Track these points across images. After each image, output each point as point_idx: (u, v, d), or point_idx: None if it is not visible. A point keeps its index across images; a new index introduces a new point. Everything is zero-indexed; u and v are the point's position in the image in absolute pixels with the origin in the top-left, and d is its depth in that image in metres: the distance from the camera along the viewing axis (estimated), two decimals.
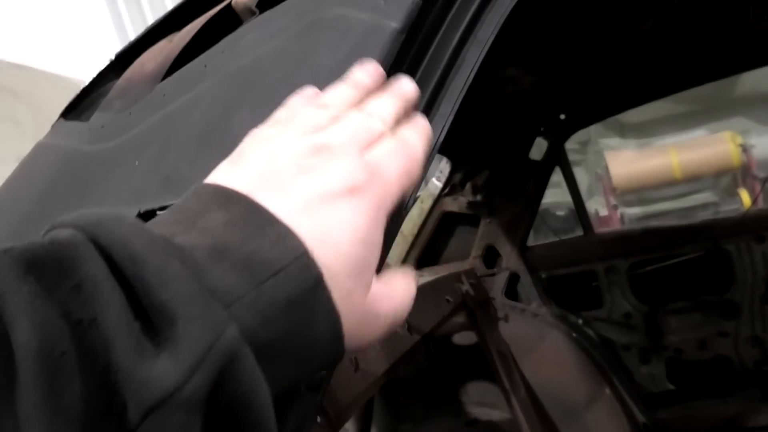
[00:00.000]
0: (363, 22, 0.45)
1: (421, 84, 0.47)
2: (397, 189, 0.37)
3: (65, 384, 0.24)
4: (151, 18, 4.71)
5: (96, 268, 0.26)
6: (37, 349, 0.24)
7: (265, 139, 0.37)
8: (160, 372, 0.25)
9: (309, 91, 0.41)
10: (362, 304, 0.34)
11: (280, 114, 0.40)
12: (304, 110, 0.39)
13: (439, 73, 0.47)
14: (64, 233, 0.27)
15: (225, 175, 0.35)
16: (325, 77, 0.44)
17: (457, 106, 0.47)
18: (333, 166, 0.35)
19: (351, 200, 0.34)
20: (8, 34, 3.53)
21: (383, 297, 0.35)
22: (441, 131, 0.46)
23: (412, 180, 0.38)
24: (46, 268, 0.26)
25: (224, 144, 0.45)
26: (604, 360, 2.00)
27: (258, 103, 0.44)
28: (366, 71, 0.41)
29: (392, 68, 0.44)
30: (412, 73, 0.47)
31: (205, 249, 0.29)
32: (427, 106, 0.46)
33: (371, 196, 0.35)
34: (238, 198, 0.32)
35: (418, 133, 0.40)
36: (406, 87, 0.42)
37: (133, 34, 4.69)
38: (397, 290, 0.37)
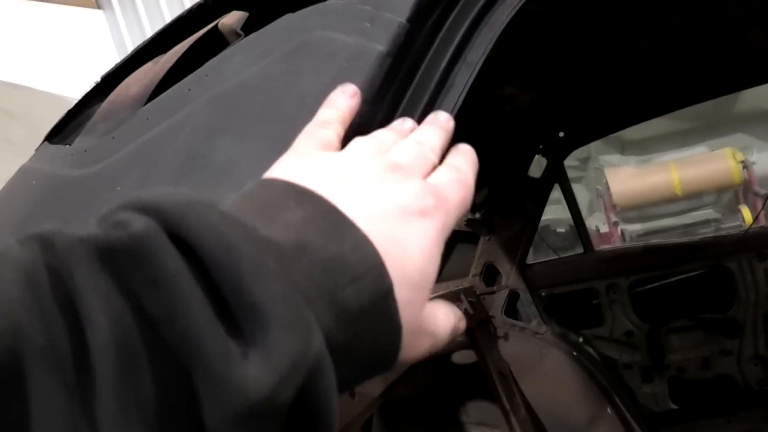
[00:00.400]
0: (349, 46, 0.44)
1: (409, 108, 0.46)
2: (455, 216, 0.39)
3: (139, 384, 0.24)
4: (151, 33, 4.73)
5: (174, 264, 0.25)
6: (114, 350, 0.23)
7: (329, 145, 0.39)
8: (254, 379, 0.25)
9: (355, 97, 0.42)
10: (418, 315, 0.35)
11: (329, 115, 0.42)
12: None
13: (427, 96, 0.46)
14: (140, 223, 0.26)
15: (292, 171, 0.36)
16: (310, 103, 0.43)
17: None
18: (409, 185, 0.37)
19: (422, 220, 0.36)
20: (5, 54, 3.54)
21: (430, 317, 0.37)
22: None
23: (466, 208, 0.40)
24: (122, 261, 0.25)
25: (205, 171, 0.44)
26: (605, 379, 1.97)
27: (241, 129, 0.43)
28: (405, 121, 0.44)
29: (379, 92, 0.43)
30: (399, 96, 0.46)
31: (289, 244, 0.29)
32: None
33: (438, 219, 0.37)
34: (315, 197, 0.33)
35: (469, 161, 0.42)
36: (444, 119, 0.44)
37: None
38: (440, 316, 0.38)
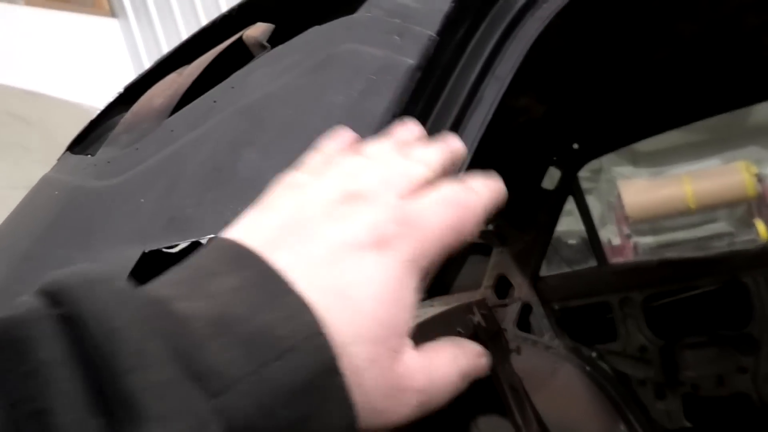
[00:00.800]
0: (377, 59, 0.44)
1: (437, 122, 0.46)
2: (437, 244, 0.32)
3: None
4: (165, 44, 4.77)
5: (53, 351, 0.23)
6: None
7: (296, 186, 0.34)
8: None
9: (346, 136, 0.38)
10: (389, 373, 0.30)
11: (314, 159, 0.37)
12: (342, 156, 0.36)
13: (456, 110, 0.45)
14: (26, 305, 0.24)
15: (251, 223, 0.32)
16: (337, 116, 0.42)
17: (475, 145, 0.45)
18: (363, 214, 0.31)
19: (378, 254, 0.30)
20: (20, 61, 3.58)
21: (418, 369, 0.31)
22: (459, 171, 0.44)
23: (460, 235, 0.33)
24: (1, 349, 0.23)
25: (230, 184, 0.44)
26: (618, 395, 1.95)
27: (267, 142, 0.43)
28: (408, 129, 0.38)
29: (408, 106, 0.43)
30: (428, 111, 0.45)
31: (207, 320, 0.26)
32: None
33: (402, 251, 0.31)
34: (252, 258, 0.29)
35: (486, 185, 0.36)
36: (453, 141, 0.38)
37: (147, 61, 4.74)
38: (439, 364, 0.32)
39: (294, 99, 0.45)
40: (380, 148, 0.37)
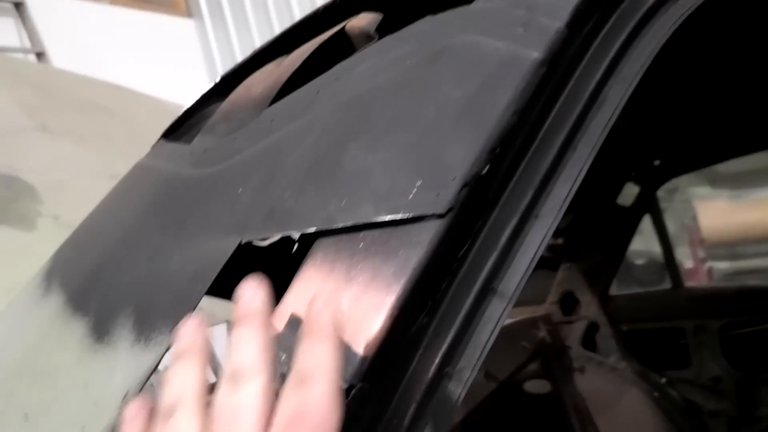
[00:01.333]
0: (499, 51, 0.40)
1: (556, 122, 0.42)
2: None
3: None
4: (237, 45, 4.89)
5: None
6: None
7: None
8: None
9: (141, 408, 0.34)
10: None
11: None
12: None
13: (578, 111, 0.42)
14: None
15: None
16: (453, 111, 0.39)
17: (597, 149, 0.42)
18: None
19: None
20: (107, 56, 3.74)
21: None
22: (577, 176, 0.41)
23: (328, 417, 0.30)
24: None
25: (335, 178, 0.42)
26: (688, 425, 1.85)
27: (375, 135, 0.41)
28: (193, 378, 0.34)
29: (529, 102, 0.39)
30: (547, 109, 0.42)
31: None
32: (562, 147, 0.41)
33: None
34: None
35: (318, 353, 0.32)
36: (252, 303, 0.34)
37: (219, 60, 4.87)
38: None
39: (405, 92, 0.42)
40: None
